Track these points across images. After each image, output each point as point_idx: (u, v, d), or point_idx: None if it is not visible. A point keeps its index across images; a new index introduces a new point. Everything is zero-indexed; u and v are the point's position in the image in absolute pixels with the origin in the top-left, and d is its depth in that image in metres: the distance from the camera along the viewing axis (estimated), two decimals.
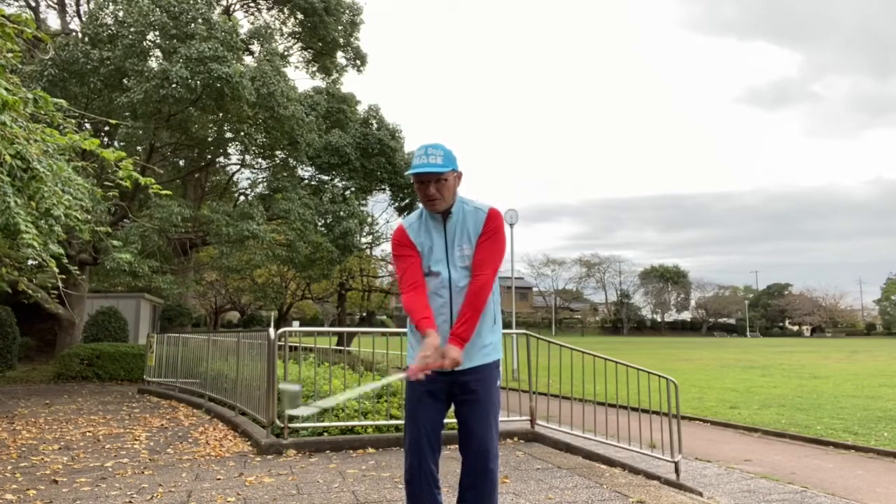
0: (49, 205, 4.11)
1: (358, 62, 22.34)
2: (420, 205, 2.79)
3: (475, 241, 2.66)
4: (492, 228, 2.67)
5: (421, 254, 2.72)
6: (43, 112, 4.35)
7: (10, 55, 4.20)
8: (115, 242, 6.37)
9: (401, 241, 2.75)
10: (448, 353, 2.48)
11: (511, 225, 22.17)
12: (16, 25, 4.18)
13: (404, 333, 3.26)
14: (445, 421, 2.82)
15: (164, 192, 5.47)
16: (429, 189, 2.59)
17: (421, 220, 2.76)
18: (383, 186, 22.56)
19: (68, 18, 19.75)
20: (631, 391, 6.44)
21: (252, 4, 21.79)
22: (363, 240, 24.57)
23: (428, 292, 2.69)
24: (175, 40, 14.03)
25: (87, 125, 13.64)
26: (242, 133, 16.84)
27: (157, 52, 15.24)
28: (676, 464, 6.05)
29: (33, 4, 19.00)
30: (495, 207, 2.73)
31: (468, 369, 2.65)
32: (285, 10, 20.65)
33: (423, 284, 2.66)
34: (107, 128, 16.33)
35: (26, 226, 3.85)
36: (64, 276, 5.33)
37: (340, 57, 22.44)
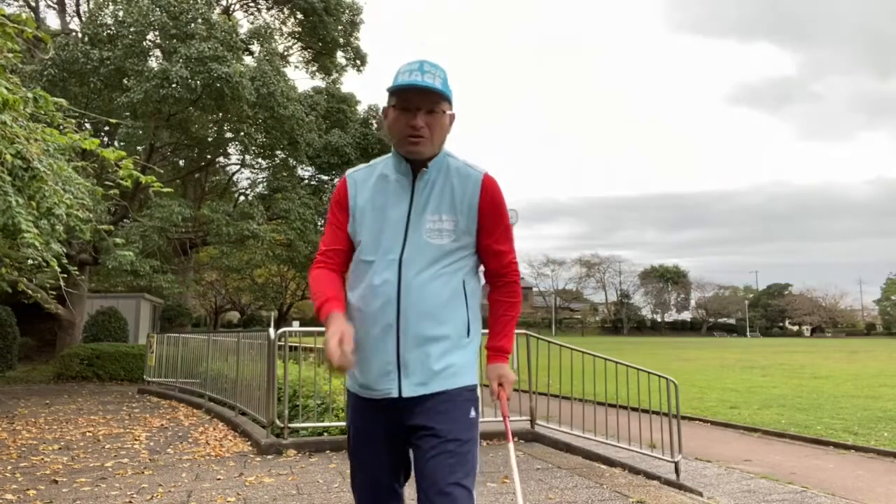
0: (50, 204, 4.12)
1: (358, 62, 22.34)
2: (375, 160, 2.03)
3: (464, 211, 1.88)
4: (498, 201, 1.92)
5: (353, 220, 1.93)
6: (43, 112, 4.35)
7: (10, 55, 4.20)
8: (118, 240, 6.37)
9: (336, 199, 1.99)
10: (498, 373, 1.91)
11: (511, 225, 22.09)
12: (16, 25, 4.18)
13: None
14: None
15: (165, 189, 5.47)
16: (416, 119, 1.80)
17: (374, 171, 1.96)
18: None
19: (68, 18, 19.76)
20: (631, 391, 6.43)
21: (252, 4, 21.78)
22: None
23: (359, 283, 1.88)
24: (175, 40, 14.03)
25: (87, 125, 13.64)
26: (242, 133, 16.86)
27: (157, 52, 15.26)
28: (676, 464, 6.05)
29: (33, 4, 19.00)
30: (489, 173, 1.95)
31: (420, 397, 1.81)
32: (285, 10, 20.66)
33: (339, 262, 1.97)
34: (107, 128, 16.34)
35: (27, 225, 3.85)
36: (65, 275, 5.34)
37: (340, 57, 22.44)
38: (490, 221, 1.90)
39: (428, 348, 1.80)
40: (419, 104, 1.80)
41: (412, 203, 1.87)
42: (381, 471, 1.91)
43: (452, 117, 1.91)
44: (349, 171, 2.01)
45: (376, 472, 1.92)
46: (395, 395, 1.80)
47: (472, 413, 1.84)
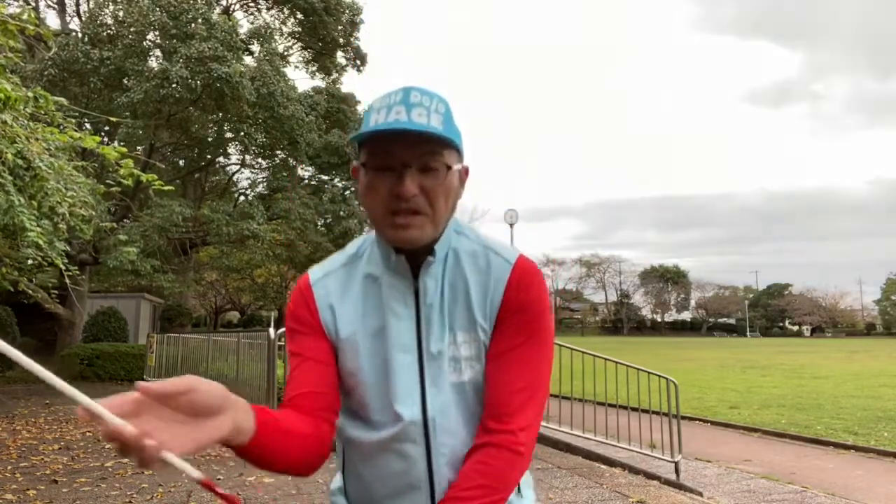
0: (52, 203, 4.12)
1: (358, 62, 22.36)
2: (351, 247, 1.23)
3: (485, 326, 1.10)
4: (531, 300, 1.10)
5: (338, 349, 1.13)
6: (43, 111, 4.36)
7: (11, 54, 4.20)
8: (122, 236, 6.38)
9: (297, 315, 1.16)
10: None
11: (511, 225, 21.92)
12: (17, 23, 4.18)
13: None
14: None
15: (165, 188, 5.47)
16: (403, 184, 1.03)
17: (353, 271, 1.18)
18: None
19: (68, 18, 19.78)
20: (631, 391, 6.44)
21: (252, 4, 21.79)
22: None
23: (358, 462, 1.15)
24: (175, 40, 14.04)
25: (88, 125, 13.65)
26: (242, 133, 16.87)
27: (157, 52, 15.29)
28: (676, 464, 6.05)
29: (32, 4, 19.01)
30: (526, 256, 1.15)
31: None
32: (285, 10, 20.67)
33: (321, 405, 1.09)
34: (107, 127, 16.35)
35: (31, 224, 3.86)
36: (70, 274, 5.35)
37: (340, 57, 22.47)
38: (509, 328, 1.09)
39: None
40: (406, 159, 1.03)
41: (420, 319, 1.11)
42: None
43: (465, 173, 1.14)
44: (314, 273, 1.19)
45: None
46: None
47: None
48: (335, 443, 1.18)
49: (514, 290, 1.10)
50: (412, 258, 1.11)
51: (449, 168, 1.07)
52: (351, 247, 1.23)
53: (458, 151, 1.10)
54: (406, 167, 1.03)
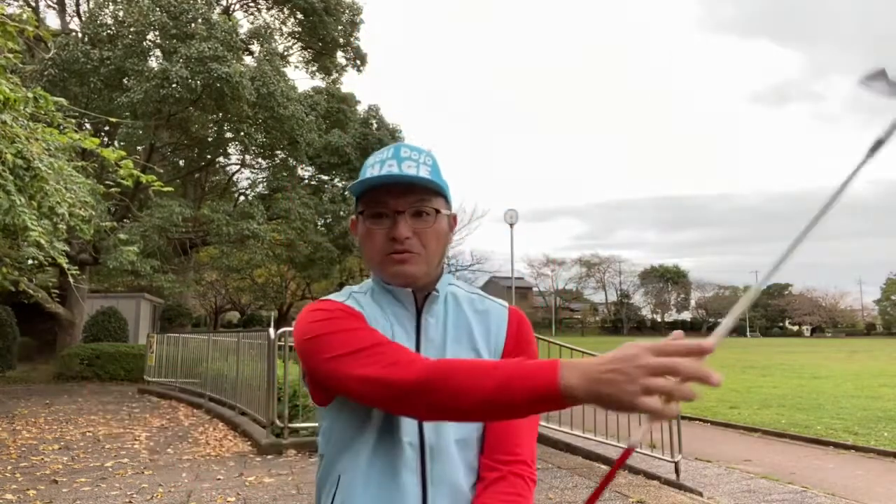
0: (52, 203, 4.12)
1: (358, 62, 22.36)
2: (353, 287, 1.29)
3: (496, 359, 1.20)
4: (528, 339, 1.25)
5: None
6: (43, 112, 4.36)
7: (10, 55, 4.20)
8: (122, 236, 6.39)
9: (340, 307, 1.16)
10: None
11: (511, 225, 21.96)
12: (17, 24, 4.18)
13: None
14: None
15: (165, 188, 5.47)
16: (396, 227, 1.15)
17: (370, 299, 1.23)
18: None
19: (68, 18, 19.76)
20: None
21: (252, 4, 21.78)
22: None
23: (353, 485, 1.12)
24: (175, 40, 14.05)
25: (88, 125, 13.65)
26: (242, 133, 16.87)
27: (158, 52, 15.28)
28: (676, 464, 6.05)
29: (33, 4, 19.00)
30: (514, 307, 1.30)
31: None
32: (285, 10, 20.66)
33: None
34: (107, 127, 16.35)
35: (32, 224, 3.86)
36: (72, 273, 5.35)
37: (340, 57, 22.46)
38: None
39: None
40: (399, 206, 1.15)
41: (419, 349, 1.17)
42: None
43: (453, 220, 1.25)
44: (337, 297, 1.22)
45: None
46: None
47: None
48: (321, 480, 1.18)
49: (514, 330, 1.23)
50: (415, 296, 1.20)
51: (438, 212, 1.19)
52: (353, 287, 1.28)
53: (445, 199, 1.22)
54: (399, 213, 1.15)
